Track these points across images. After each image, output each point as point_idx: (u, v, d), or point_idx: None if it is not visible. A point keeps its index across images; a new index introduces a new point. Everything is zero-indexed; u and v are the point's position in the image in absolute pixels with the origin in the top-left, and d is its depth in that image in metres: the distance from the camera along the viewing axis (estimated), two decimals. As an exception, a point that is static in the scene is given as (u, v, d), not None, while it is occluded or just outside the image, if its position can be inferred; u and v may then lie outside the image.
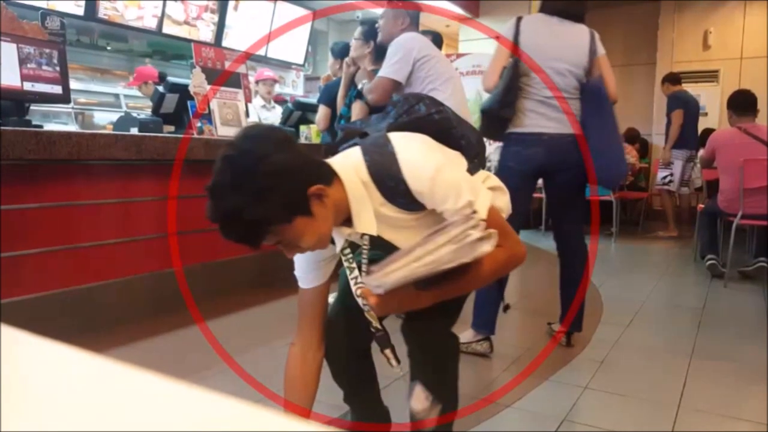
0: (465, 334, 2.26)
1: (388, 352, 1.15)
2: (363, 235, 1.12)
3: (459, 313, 1.34)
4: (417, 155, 1.07)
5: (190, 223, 2.84)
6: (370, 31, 2.88)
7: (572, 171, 2.29)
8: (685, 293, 3.62)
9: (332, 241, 1.17)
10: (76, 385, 0.39)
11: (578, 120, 2.29)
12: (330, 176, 1.05)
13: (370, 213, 1.08)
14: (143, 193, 2.66)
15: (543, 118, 2.26)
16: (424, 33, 3.84)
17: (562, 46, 2.29)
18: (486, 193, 1.11)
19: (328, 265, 1.23)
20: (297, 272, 1.23)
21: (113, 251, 2.53)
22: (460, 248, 0.94)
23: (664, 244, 5.49)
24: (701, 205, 4.47)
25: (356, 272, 1.15)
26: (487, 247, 0.96)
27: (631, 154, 5.89)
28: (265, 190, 0.94)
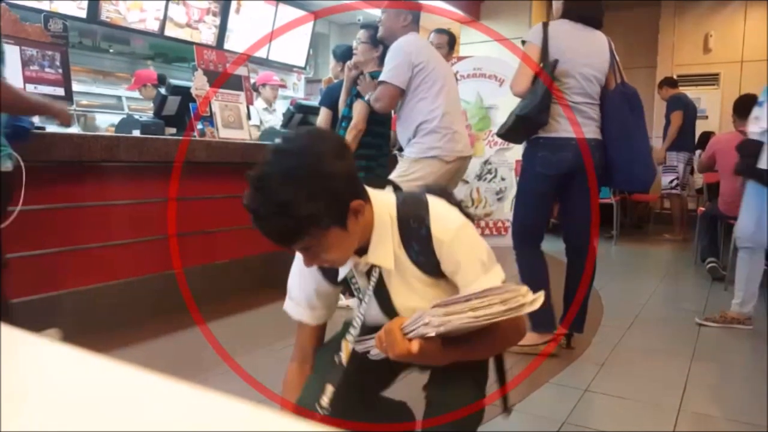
0: (527, 338, 2.29)
1: (330, 388, 1.06)
2: (371, 269, 1.10)
3: (486, 376, 1.19)
4: (447, 209, 1.10)
5: (191, 224, 2.85)
6: (377, 35, 2.88)
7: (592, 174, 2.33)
8: (685, 296, 3.62)
9: (333, 277, 1.16)
10: (78, 386, 0.40)
11: (600, 125, 2.35)
12: (367, 197, 1.06)
13: (389, 246, 1.07)
14: (145, 195, 2.66)
15: (571, 123, 2.28)
16: (440, 32, 3.85)
17: (589, 52, 2.33)
18: (498, 266, 1.11)
19: (321, 310, 1.20)
20: (288, 304, 1.21)
21: (114, 253, 2.53)
22: (509, 310, 0.94)
23: (664, 247, 5.48)
24: (701, 208, 4.47)
25: (365, 303, 1.11)
26: (528, 309, 0.96)
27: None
28: (318, 189, 0.93)
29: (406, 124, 2.62)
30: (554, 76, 2.23)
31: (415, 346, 0.94)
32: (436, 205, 1.10)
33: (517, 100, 2.38)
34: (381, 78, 2.58)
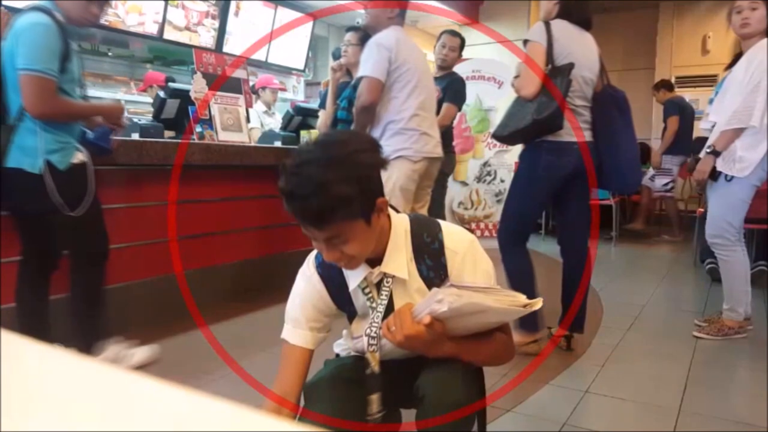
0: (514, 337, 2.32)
1: (375, 397, 1.10)
2: (382, 281, 1.12)
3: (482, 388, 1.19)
4: (457, 227, 1.21)
5: (191, 227, 2.85)
6: (367, 37, 2.89)
7: (586, 177, 2.33)
8: (685, 297, 3.62)
9: (337, 301, 1.18)
10: (78, 391, 0.40)
11: (592, 128, 2.35)
12: (387, 204, 1.12)
13: (404, 258, 1.12)
14: (144, 198, 2.66)
15: (573, 126, 2.28)
16: (454, 35, 3.85)
17: (587, 54, 2.32)
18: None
19: (318, 333, 1.21)
20: (286, 329, 1.21)
21: (114, 256, 2.53)
22: (513, 303, 1.04)
23: (664, 248, 5.49)
24: (701, 210, 4.47)
25: (379, 311, 1.13)
26: (529, 310, 1.05)
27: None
28: (352, 176, 0.99)
29: (376, 121, 2.60)
30: (569, 79, 2.19)
31: (426, 319, 0.99)
32: (448, 224, 1.19)
33: (512, 101, 2.37)
34: (360, 74, 2.59)
